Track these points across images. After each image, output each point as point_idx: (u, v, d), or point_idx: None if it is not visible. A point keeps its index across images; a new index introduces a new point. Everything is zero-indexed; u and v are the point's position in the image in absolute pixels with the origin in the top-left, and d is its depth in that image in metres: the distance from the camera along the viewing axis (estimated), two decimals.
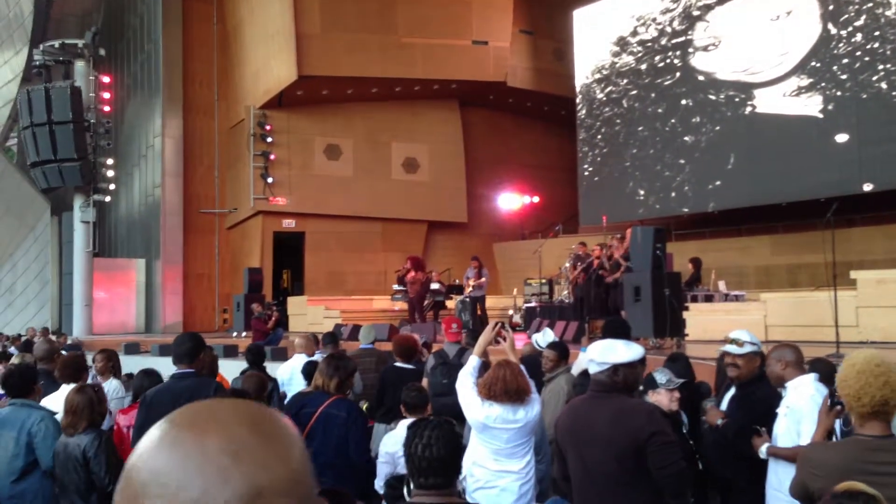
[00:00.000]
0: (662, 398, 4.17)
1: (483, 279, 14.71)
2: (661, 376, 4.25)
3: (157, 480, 0.66)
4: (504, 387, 4.04)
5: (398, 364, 6.28)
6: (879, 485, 2.26)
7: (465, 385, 4.24)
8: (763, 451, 3.73)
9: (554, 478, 4.02)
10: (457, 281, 16.78)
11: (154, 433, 0.71)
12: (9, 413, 4.55)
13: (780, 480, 3.67)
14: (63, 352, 7.14)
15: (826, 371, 4.44)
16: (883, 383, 2.59)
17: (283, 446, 0.72)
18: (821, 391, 3.66)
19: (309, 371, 5.74)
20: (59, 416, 4.87)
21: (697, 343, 10.10)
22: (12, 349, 9.69)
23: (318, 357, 6.91)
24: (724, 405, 4.21)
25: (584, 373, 4.98)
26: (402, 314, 16.31)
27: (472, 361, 4.39)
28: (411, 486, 2.82)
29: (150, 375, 5.51)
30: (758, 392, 4.06)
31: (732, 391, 4.19)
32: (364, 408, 6.13)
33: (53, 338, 13.33)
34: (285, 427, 0.76)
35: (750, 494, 3.91)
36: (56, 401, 5.17)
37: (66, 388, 5.22)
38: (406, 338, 6.72)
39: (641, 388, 4.13)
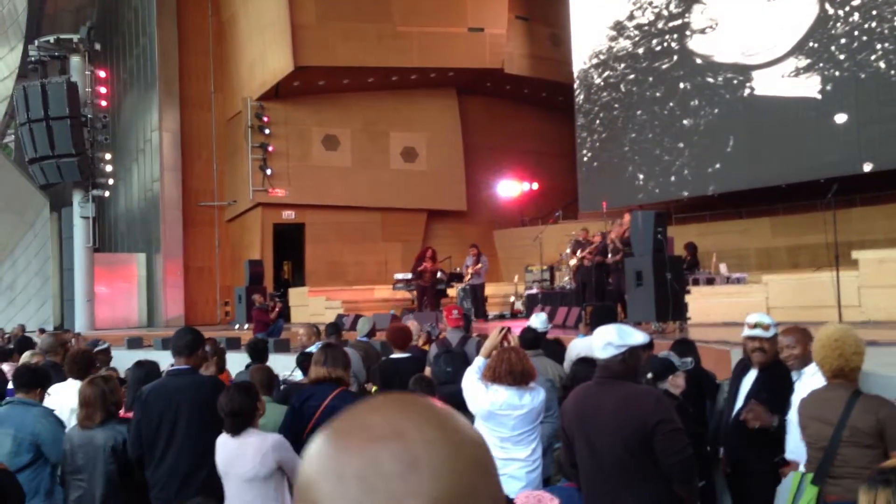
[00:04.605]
0: (681, 380, 4.19)
1: (480, 265, 14.75)
2: (676, 360, 4.27)
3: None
4: (509, 367, 4.07)
5: (394, 356, 6.31)
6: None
7: (470, 379, 4.27)
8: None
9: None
10: (458, 269, 16.79)
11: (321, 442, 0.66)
12: (6, 411, 4.58)
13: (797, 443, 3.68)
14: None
15: None
16: (838, 355, 3.29)
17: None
18: None
19: (301, 363, 5.74)
20: (63, 411, 4.89)
21: (700, 326, 10.12)
22: (10, 346, 9.65)
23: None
24: (742, 391, 4.15)
25: (582, 360, 5.00)
26: (404, 303, 16.34)
27: (478, 362, 4.41)
28: None
29: (143, 366, 5.55)
30: (778, 374, 4.04)
31: (753, 374, 4.14)
32: (373, 391, 6.19)
33: (32, 335, 13.32)
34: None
35: (768, 479, 3.90)
36: (63, 391, 5.20)
37: (72, 381, 5.26)
38: (396, 328, 6.77)
39: (650, 375, 4.12)
